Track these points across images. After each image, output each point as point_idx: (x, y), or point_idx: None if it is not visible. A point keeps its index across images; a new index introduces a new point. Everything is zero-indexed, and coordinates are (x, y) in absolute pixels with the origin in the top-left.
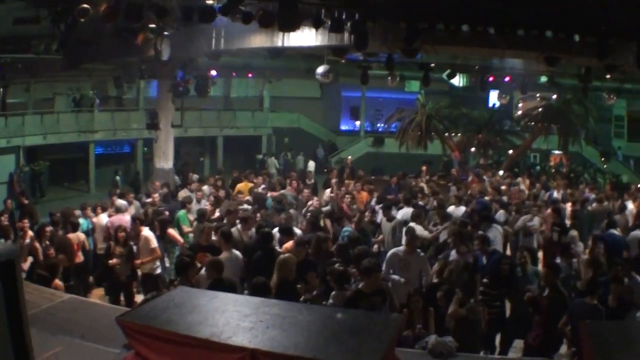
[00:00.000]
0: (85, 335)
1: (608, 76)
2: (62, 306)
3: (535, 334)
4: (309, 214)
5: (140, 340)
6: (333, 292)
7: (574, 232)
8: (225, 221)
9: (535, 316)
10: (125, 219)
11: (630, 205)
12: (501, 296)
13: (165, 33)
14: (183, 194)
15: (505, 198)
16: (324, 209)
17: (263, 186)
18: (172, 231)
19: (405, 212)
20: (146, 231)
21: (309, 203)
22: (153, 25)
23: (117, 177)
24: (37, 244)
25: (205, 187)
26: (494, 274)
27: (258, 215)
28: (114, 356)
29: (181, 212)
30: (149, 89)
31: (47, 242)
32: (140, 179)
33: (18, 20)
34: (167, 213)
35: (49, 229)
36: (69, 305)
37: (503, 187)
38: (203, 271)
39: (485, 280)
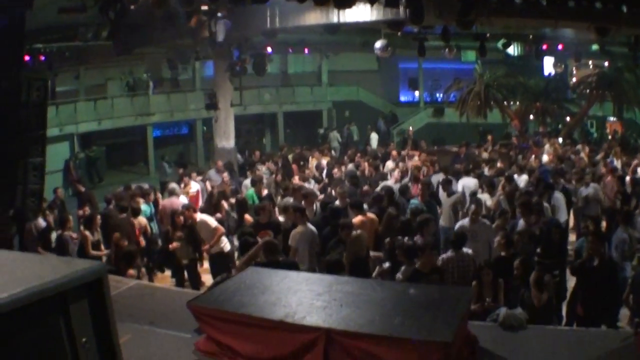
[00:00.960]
0: (154, 321)
1: None
2: (128, 293)
3: (588, 304)
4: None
5: (212, 324)
6: (403, 267)
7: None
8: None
9: (581, 286)
10: (179, 202)
11: None
12: (557, 265)
13: (219, 14)
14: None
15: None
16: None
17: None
18: (248, 216)
19: (465, 182)
20: (200, 216)
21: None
22: (205, 8)
23: (165, 163)
24: (87, 233)
25: (263, 168)
26: (546, 242)
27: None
28: (186, 341)
29: (250, 191)
30: (204, 70)
31: (98, 230)
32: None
33: (62, 10)
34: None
35: (98, 217)
36: (136, 291)
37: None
38: None
39: (538, 250)
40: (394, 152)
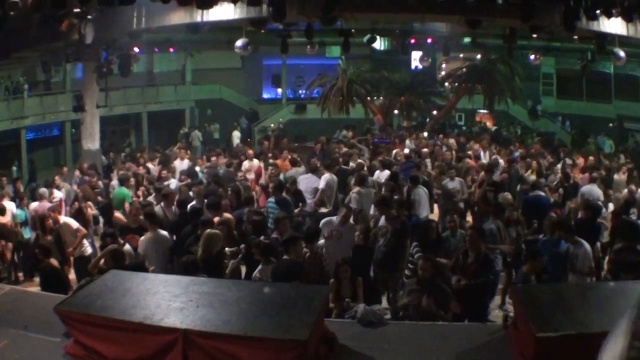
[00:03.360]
0: (28, 325)
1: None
2: (3, 298)
3: (461, 299)
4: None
5: (78, 328)
6: (259, 267)
7: (508, 195)
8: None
9: (459, 281)
10: (47, 205)
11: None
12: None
13: (89, 17)
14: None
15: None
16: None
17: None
18: (119, 214)
19: (328, 178)
20: (63, 218)
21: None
22: (77, 10)
23: (14, 168)
24: None
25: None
26: (422, 238)
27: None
28: (56, 345)
29: (118, 190)
30: (75, 72)
31: None
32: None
33: None
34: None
35: None
36: (10, 296)
37: (425, 150)
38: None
39: (415, 244)
40: (250, 152)
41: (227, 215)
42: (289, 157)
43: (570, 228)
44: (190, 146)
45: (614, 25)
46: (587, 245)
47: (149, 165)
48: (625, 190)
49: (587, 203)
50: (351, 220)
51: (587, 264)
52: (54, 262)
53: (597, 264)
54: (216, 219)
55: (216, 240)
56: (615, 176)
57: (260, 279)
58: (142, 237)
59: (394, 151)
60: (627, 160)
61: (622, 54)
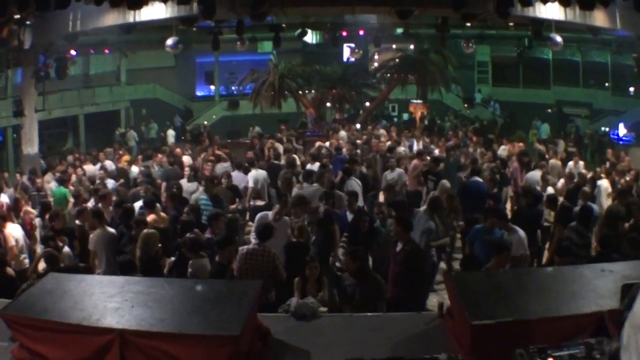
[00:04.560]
0: None
1: (468, 24)
2: None
3: (392, 288)
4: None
5: (21, 332)
6: (191, 261)
7: (447, 183)
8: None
9: (392, 270)
10: None
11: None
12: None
13: (28, 22)
14: (48, 178)
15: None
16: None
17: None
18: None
19: (255, 174)
20: (9, 228)
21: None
22: (17, 17)
23: None
24: None
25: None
26: (354, 230)
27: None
28: (4, 349)
29: (58, 189)
30: (16, 77)
31: None
32: None
33: None
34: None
35: None
36: None
37: (358, 141)
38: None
39: (345, 235)
40: (177, 150)
41: (162, 214)
42: (215, 153)
43: (503, 215)
44: (127, 146)
45: (550, 11)
46: (521, 232)
47: (86, 167)
48: (562, 181)
49: (528, 189)
50: (285, 217)
51: (520, 250)
52: (9, 271)
53: (539, 251)
54: (151, 217)
55: (153, 240)
56: (552, 161)
57: (194, 274)
58: (92, 235)
59: (327, 143)
60: (568, 145)
61: (558, 39)
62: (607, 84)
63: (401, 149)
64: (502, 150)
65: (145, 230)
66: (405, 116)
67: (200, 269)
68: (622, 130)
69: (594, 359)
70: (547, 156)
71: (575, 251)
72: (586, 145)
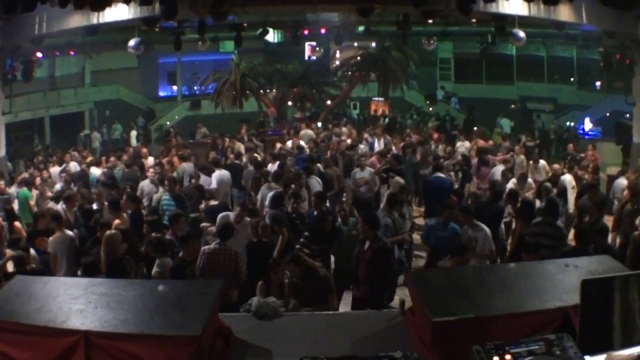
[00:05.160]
0: None
1: (430, 21)
2: None
3: (361, 287)
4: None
5: None
6: (157, 261)
7: (400, 179)
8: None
9: (359, 269)
10: None
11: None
12: (323, 251)
13: None
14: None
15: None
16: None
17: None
18: (17, 224)
19: (219, 175)
20: None
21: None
22: None
23: None
24: None
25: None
26: (315, 229)
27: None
28: None
29: (26, 192)
30: None
31: None
32: None
33: None
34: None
35: None
36: None
37: (318, 140)
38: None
39: (305, 234)
40: (144, 150)
41: (125, 216)
42: (178, 153)
43: (470, 211)
44: (91, 148)
45: (514, 6)
46: (487, 229)
47: (52, 169)
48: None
49: (491, 184)
50: (247, 218)
51: (487, 247)
52: None
53: (503, 247)
54: (116, 222)
55: (116, 242)
56: (517, 157)
57: (161, 273)
58: (51, 238)
59: (289, 142)
60: (527, 139)
61: (521, 34)
62: (572, 79)
63: (361, 147)
64: (461, 147)
65: (108, 232)
66: (355, 112)
67: (166, 268)
68: (587, 124)
69: (554, 355)
70: (513, 152)
71: (549, 243)
72: (552, 141)
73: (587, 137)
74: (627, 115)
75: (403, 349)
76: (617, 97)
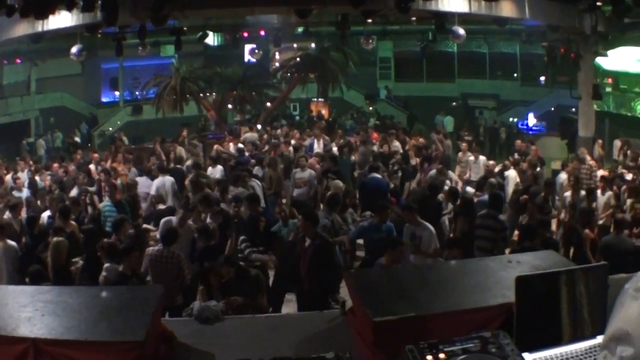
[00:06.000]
0: None
1: (369, 21)
2: None
3: (305, 285)
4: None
5: None
6: (105, 265)
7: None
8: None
9: (303, 267)
10: None
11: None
12: (262, 252)
13: None
14: None
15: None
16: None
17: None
18: None
19: (161, 181)
20: None
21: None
22: None
23: None
24: None
25: None
26: (250, 231)
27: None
28: None
29: None
30: None
31: None
32: None
33: None
34: None
35: None
36: None
37: (257, 142)
38: None
39: (242, 238)
40: (95, 155)
41: (72, 223)
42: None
43: (413, 208)
44: (36, 156)
45: (453, 3)
46: (431, 227)
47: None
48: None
49: (428, 181)
50: (190, 222)
51: (432, 245)
52: None
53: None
54: (68, 225)
55: (63, 248)
56: (460, 154)
57: (108, 278)
58: None
59: (229, 145)
60: (465, 134)
61: (461, 32)
62: (515, 75)
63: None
64: (396, 147)
65: (54, 239)
66: (295, 114)
67: (112, 273)
68: (531, 120)
69: (490, 353)
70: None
71: (490, 235)
72: (499, 137)
73: (531, 132)
74: (573, 109)
75: (344, 350)
76: (562, 91)
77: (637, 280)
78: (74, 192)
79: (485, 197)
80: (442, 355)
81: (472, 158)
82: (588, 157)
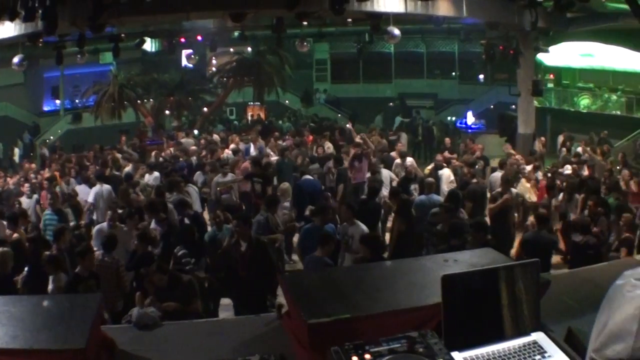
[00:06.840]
0: None
1: (305, 23)
2: None
3: (243, 289)
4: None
5: None
6: (51, 277)
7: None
8: None
9: (239, 272)
10: None
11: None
12: (196, 261)
13: None
14: None
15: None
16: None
17: None
18: None
19: (98, 190)
20: None
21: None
22: None
23: None
24: None
25: None
26: (185, 240)
27: None
28: None
29: None
30: None
31: None
32: None
33: None
34: None
35: None
36: None
37: (193, 148)
38: None
39: (180, 246)
40: (32, 165)
41: (21, 231)
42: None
43: (353, 207)
44: None
45: (389, 4)
46: (363, 227)
47: None
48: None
49: (369, 183)
50: (122, 226)
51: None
52: None
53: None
54: (15, 235)
55: (8, 258)
56: (393, 154)
57: (57, 287)
58: None
59: (167, 151)
60: (390, 133)
61: (396, 32)
62: (454, 73)
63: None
64: (328, 149)
65: None
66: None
67: (60, 283)
68: (470, 118)
69: (417, 353)
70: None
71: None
72: (434, 136)
73: (470, 130)
74: (513, 106)
75: (281, 352)
76: (502, 89)
77: (630, 276)
78: (26, 204)
79: (423, 197)
80: (367, 356)
81: (398, 160)
82: (513, 152)
